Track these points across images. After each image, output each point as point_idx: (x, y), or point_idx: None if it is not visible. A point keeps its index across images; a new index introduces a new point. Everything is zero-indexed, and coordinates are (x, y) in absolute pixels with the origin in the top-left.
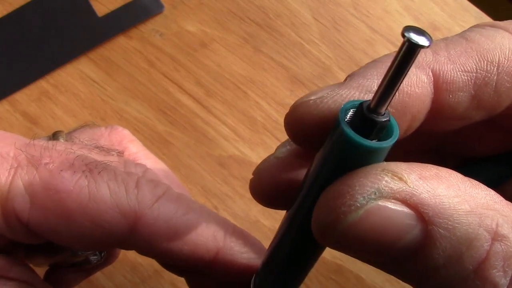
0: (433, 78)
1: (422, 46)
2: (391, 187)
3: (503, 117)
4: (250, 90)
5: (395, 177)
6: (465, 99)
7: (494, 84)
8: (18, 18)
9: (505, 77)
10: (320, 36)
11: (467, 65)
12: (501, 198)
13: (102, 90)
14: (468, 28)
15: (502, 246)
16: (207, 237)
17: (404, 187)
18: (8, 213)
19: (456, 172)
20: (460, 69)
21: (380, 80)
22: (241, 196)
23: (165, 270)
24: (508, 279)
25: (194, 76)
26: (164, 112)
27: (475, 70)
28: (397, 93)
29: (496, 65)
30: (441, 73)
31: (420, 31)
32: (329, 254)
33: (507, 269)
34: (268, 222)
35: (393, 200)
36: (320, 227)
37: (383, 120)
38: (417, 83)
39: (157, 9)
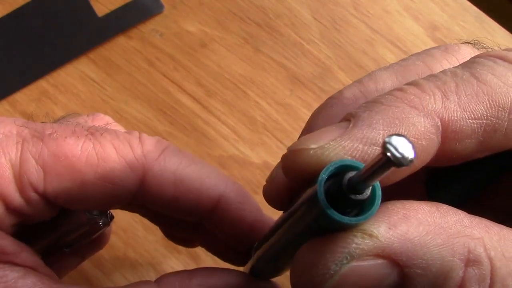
0: (441, 127)
1: (401, 165)
2: (362, 247)
3: None
4: (250, 90)
5: (365, 235)
6: (472, 145)
7: (504, 130)
8: (18, 18)
9: None
10: (320, 36)
11: (477, 112)
12: (472, 219)
13: (102, 90)
14: (479, 60)
15: (475, 271)
16: (210, 185)
17: (375, 244)
18: (24, 187)
19: (423, 204)
20: (470, 117)
21: (386, 129)
22: None
23: (165, 270)
24: None
25: (194, 76)
26: (164, 112)
27: (485, 117)
28: None
29: (508, 110)
30: (450, 122)
31: (404, 141)
32: None
33: None
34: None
35: (365, 257)
36: None
37: (362, 199)
38: (424, 135)
39: (157, 9)
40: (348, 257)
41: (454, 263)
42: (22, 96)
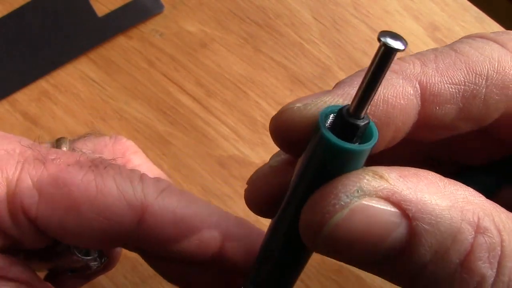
0: (420, 90)
1: (398, 50)
2: (373, 185)
3: (494, 128)
4: (250, 90)
5: (376, 176)
6: (453, 111)
7: (482, 97)
8: (18, 18)
9: (494, 90)
10: (320, 36)
11: (455, 78)
12: (480, 195)
13: (102, 90)
14: (459, 39)
15: (485, 238)
16: (212, 225)
17: (385, 185)
18: (15, 209)
19: (434, 172)
20: (448, 82)
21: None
22: (241, 196)
23: None
24: (494, 270)
25: (194, 76)
26: (164, 112)
27: (463, 83)
28: (381, 103)
29: (485, 77)
30: (428, 85)
31: (396, 36)
32: None
33: (492, 260)
34: (268, 222)
35: (376, 198)
36: (307, 230)
37: (362, 123)
38: (402, 95)
39: (157, 9)
40: (359, 191)
41: (464, 225)
42: (22, 96)
